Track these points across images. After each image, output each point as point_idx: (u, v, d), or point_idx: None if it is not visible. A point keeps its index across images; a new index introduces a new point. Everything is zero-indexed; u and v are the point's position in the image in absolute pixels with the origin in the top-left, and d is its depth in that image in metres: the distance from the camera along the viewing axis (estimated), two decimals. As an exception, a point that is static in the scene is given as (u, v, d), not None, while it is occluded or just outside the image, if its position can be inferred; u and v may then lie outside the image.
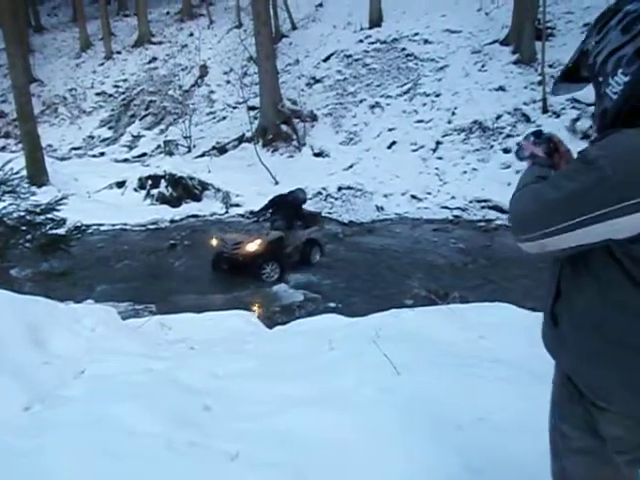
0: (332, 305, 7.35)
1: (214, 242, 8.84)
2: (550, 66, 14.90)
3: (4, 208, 5.82)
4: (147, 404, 2.48)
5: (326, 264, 9.47)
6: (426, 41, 18.14)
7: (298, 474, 2.00)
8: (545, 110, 13.98)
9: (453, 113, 15.45)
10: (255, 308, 7.27)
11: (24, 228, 5.94)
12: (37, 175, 13.48)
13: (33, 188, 9.49)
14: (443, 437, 2.14)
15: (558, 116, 13.64)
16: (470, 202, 12.98)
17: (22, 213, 5.93)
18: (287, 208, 9.18)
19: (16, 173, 6.01)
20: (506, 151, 13.85)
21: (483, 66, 16.42)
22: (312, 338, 3.60)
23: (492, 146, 14.16)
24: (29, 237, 5.99)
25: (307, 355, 3.24)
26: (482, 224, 12.11)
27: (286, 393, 2.63)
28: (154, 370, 3.03)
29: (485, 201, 12.81)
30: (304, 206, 9.71)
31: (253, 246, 8.27)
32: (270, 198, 9.58)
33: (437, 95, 16.27)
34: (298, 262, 9.07)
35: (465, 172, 13.93)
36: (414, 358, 2.82)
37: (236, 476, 1.98)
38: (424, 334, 3.28)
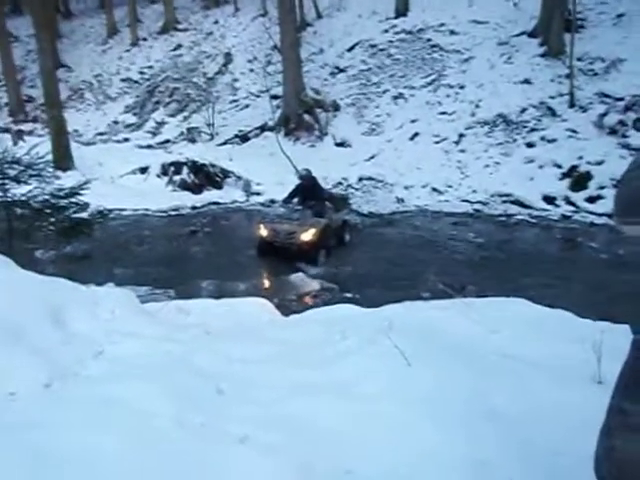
0: (348, 295, 7.39)
1: (263, 231, 9.05)
2: (579, 59, 14.60)
3: (30, 191, 5.97)
4: (162, 385, 2.55)
5: (344, 254, 9.50)
6: (452, 32, 17.90)
7: (305, 459, 2.04)
8: (572, 104, 13.70)
9: (477, 106, 15.27)
10: (272, 296, 7.34)
11: (48, 211, 6.09)
12: (62, 159, 13.72)
13: (58, 172, 9.71)
14: (451, 429, 2.16)
15: (585, 110, 13.35)
16: (491, 196, 12.86)
17: (47, 196, 6.08)
18: (313, 193, 9.45)
19: (42, 157, 6.15)
20: (530, 145, 13.65)
21: (509, 58, 16.15)
22: (326, 327, 3.64)
23: (516, 140, 13.97)
24: (53, 220, 6.14)
25: (320, 344, 3.28)
26: (503, 219, 12.00)
27: (298, 380, 2.67)
28: (170, 353, 3.09)
29: (507, 195, 12.67)
30: (328, 189, 10.06)
31: (308, 235, 8.72)
32: (295, 185, 9.85)
33: (461, 87, 16.08)
34: (335, 244, 9.53)
35: (487, 166, 13.78)
36: (426, 350, 2.83)
37: (244, 458, 2.03)
38: (437, 326, 3.29)
